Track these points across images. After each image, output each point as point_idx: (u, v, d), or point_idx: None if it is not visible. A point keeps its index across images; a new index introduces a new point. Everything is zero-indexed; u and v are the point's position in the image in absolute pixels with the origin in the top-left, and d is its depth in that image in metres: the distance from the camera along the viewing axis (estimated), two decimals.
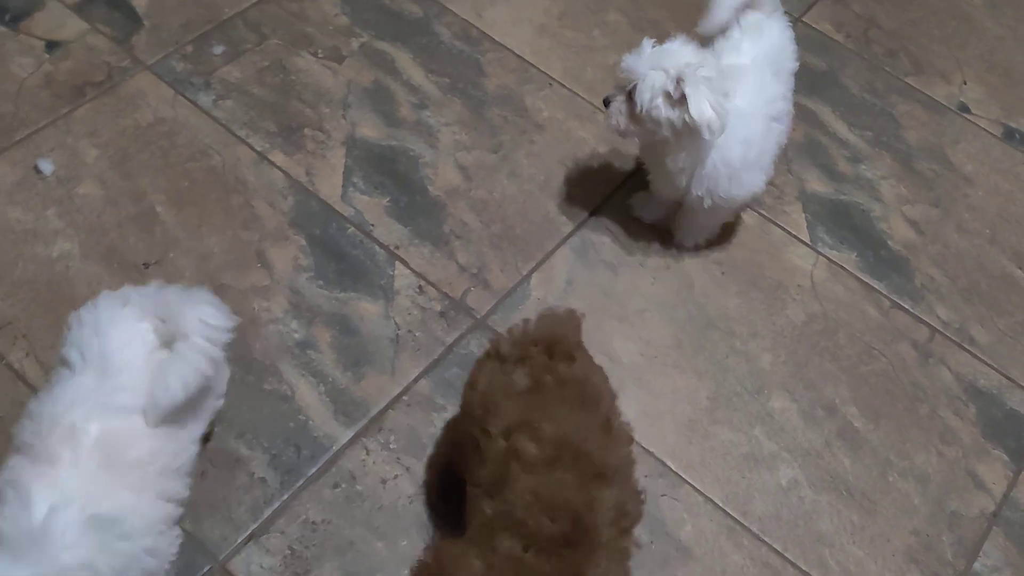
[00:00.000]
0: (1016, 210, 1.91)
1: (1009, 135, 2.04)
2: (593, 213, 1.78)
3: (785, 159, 1.91)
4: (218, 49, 1.90)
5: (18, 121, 1.75)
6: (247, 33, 1.93)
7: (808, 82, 2.04)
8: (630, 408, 1.55)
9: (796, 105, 1.98)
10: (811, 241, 1.81)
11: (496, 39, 2.01)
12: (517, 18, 2.06)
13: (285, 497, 1.41)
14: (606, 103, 1.57)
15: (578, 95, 1.95)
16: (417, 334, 1.59)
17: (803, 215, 1.84)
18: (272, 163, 1.76)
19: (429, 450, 1.48)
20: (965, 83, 2.11)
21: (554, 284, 1.68)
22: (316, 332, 1.57)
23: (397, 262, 1.66)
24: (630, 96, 1.51)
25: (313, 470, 1.44)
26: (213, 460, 1.42)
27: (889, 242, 1.83)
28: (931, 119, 2.04)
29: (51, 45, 1.86)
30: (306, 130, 1.81)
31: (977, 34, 2.22)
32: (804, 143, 1.94)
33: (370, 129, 1.83)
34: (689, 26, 1.61)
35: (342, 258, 1.66)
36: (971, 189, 1.93)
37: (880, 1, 2.24)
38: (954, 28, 2.22)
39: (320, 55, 1.92)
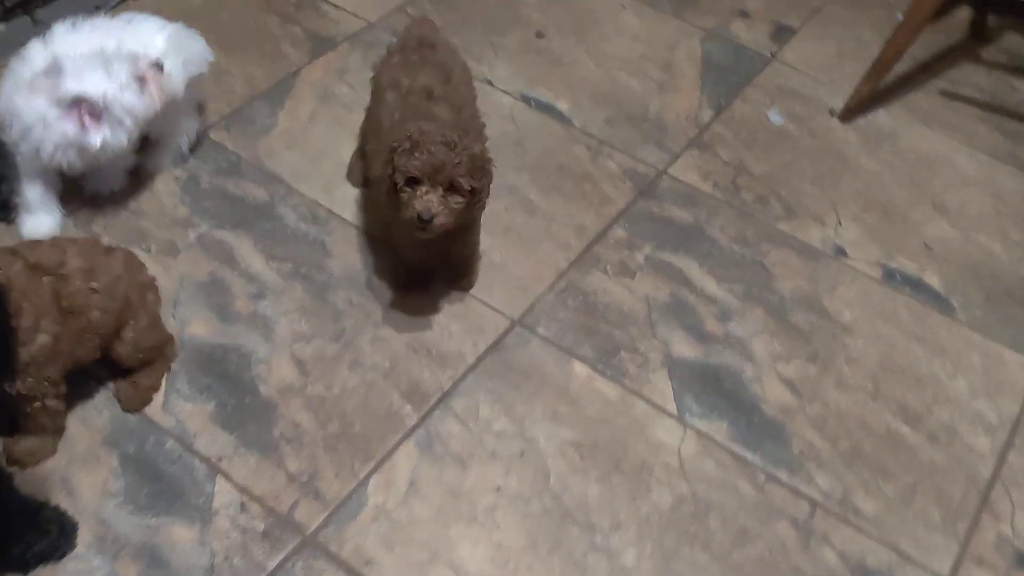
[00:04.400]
0: (899, 358, 1.80)
1: (889, 276, 1.95)
2: (442, 399, 1.66)
3: (649, 322, 1.80)
4: None
5: None
6: (76, 233, 1.84)
7: (674, 238, 1.96)
8: None
9: (661, 263, 1.90)
10: (678, 412, 1.68)
11: (345, 217, 1.93)
12: None
13: None
14: None
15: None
16: (235, 561, 1.43)
17: (669, 383, 1.71)
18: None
19: None
20: (840, 224, 2.03)
21: (395, 487, 1.54)
22: (121, 567, 1.41)
23: (219, 476, 1.52)
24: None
25: None
26: None
27: (763, 406, 1.70)
28: (805, 266, 1.94)
29: None
30: None
31: (852, 171, 2.16)
32: (670, 303, 1.84)
33: (201, 327, 1.72)
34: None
35: (157, 477, 1.51)
36: (850, 339, 1.82)
37: (750, 146, 2.18)
38: (827, 167, 2.16)
39: (153, 251, 1.82)
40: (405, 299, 1.79)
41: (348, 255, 1.86)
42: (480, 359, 1.72)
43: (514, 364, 1.72)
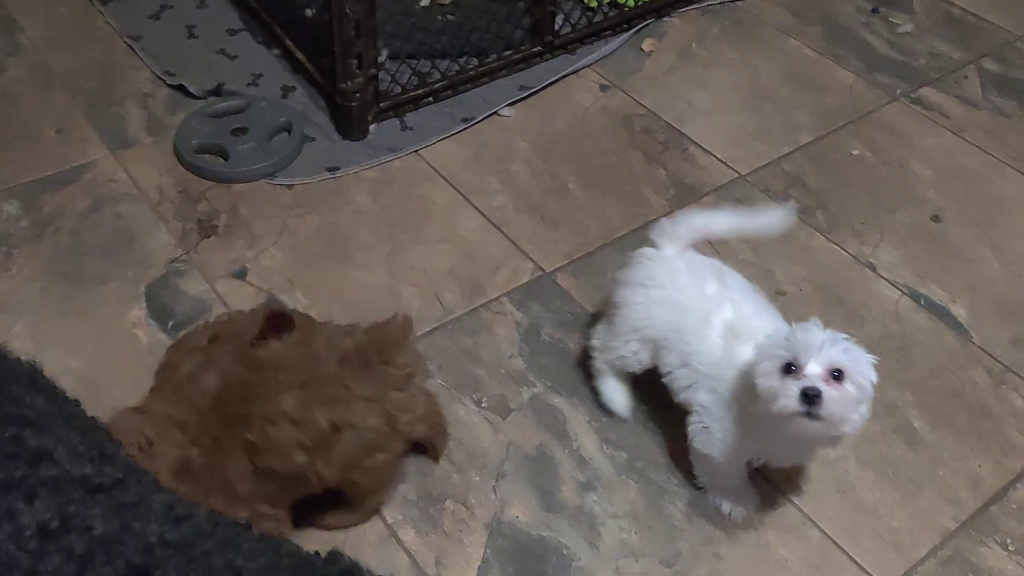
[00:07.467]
0: None
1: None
2: None
3: None
4: None
5: None
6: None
7: None
8: None
9: None
10: None
11: None
12: None
13: None
14: (813, 399, 1.25)
15: None
16: None
17: None
18: None
19: None
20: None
21: None
22: None
23: None
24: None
25: None
26: None
27: None
28: None
29: None
30: None
31: (915, 202, 1.93)
32: None
33: (523, 511, 1.52)
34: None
35: None
36: None
37: (815, 162, 2.12)
38: (888, 193, 2.08)
39: (484, 404, 1.67)
40: (745, 530, 1.52)
41: (686, 455, 1.60)
42: None
43: None
